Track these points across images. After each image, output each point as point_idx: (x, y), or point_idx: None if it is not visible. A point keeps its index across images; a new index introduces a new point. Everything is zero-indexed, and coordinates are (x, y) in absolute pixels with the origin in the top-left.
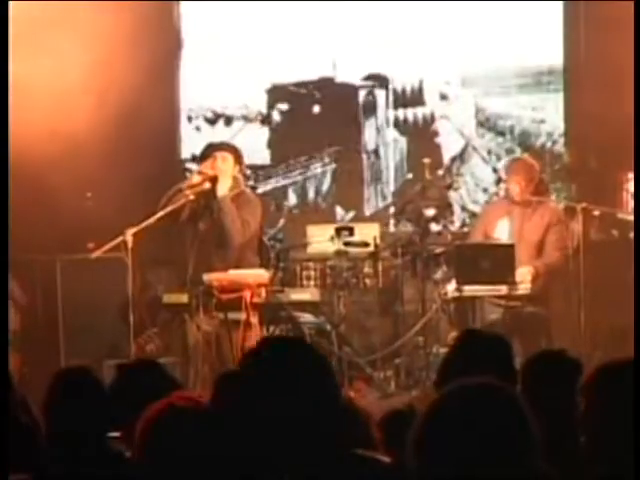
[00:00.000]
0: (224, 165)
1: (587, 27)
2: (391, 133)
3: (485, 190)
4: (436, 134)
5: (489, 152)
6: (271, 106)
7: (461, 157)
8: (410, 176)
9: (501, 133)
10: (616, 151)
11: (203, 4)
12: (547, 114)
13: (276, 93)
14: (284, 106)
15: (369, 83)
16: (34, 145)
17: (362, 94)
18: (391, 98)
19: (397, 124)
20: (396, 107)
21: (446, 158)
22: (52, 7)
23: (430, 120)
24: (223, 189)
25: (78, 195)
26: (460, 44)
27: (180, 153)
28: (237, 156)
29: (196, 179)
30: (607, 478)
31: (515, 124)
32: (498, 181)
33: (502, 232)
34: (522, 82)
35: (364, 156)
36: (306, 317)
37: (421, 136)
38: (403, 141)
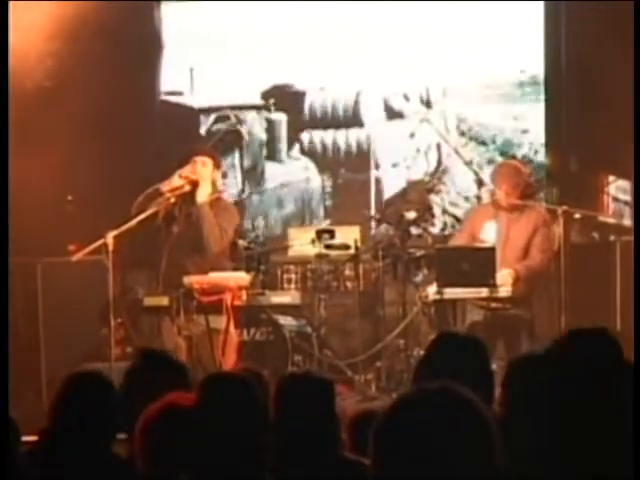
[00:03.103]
0: (204, 170)
1: (567, 36)
2: (297, 167)
3: (467, 199)
4: (375, 164)
5: (470, 162)
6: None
7: (441, 165)
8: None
9: (483, 143)
10: (597, 154)
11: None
12: (529, 124)
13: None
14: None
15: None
16: (13, 147)
17: (209, 121)
18: (306, 118)
19: (316, 153)
20: (325, 128)
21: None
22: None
23: (367, 146)
24: (203, 195)
25: (59, 198)
26: (440, 54)
27: (161, 156)
28: (216, 161)
29: (176, 182)
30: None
31: (497, 134)
32: (479, 184)
33: (489, 234)
34: (503, 92)
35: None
36: (287, 320)
37: (354, 168)
38: (316, 179)
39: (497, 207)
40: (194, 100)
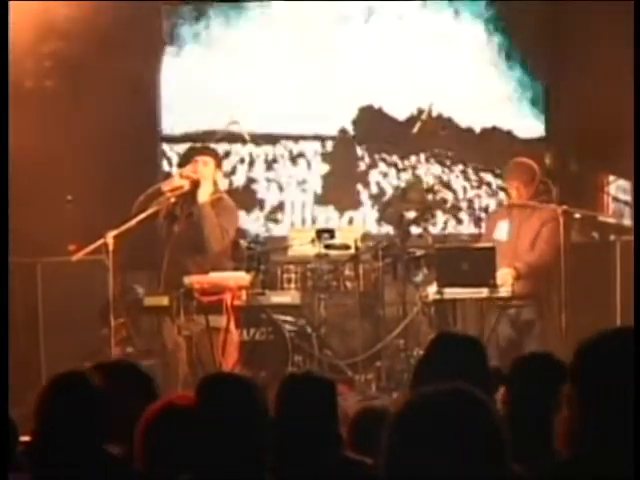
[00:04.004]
0: (205, 169)
1: (567, 36)
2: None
3: (466, 197)
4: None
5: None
6: None
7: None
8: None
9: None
10: (597, 154)
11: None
12: (528, 122)
13: None
14: None
15: None
16: (14, 148)
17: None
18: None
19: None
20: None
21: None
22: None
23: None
24: (204, 195)
25: (59, 197)
26: (437, 52)
27: (159, 155)
28: (218, 161)
29: (177, 182)
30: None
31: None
32: (479, 183)
33: (502, 233)
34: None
35: None
36: (287, 320)
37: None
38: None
39: (510, 205)
40: None
